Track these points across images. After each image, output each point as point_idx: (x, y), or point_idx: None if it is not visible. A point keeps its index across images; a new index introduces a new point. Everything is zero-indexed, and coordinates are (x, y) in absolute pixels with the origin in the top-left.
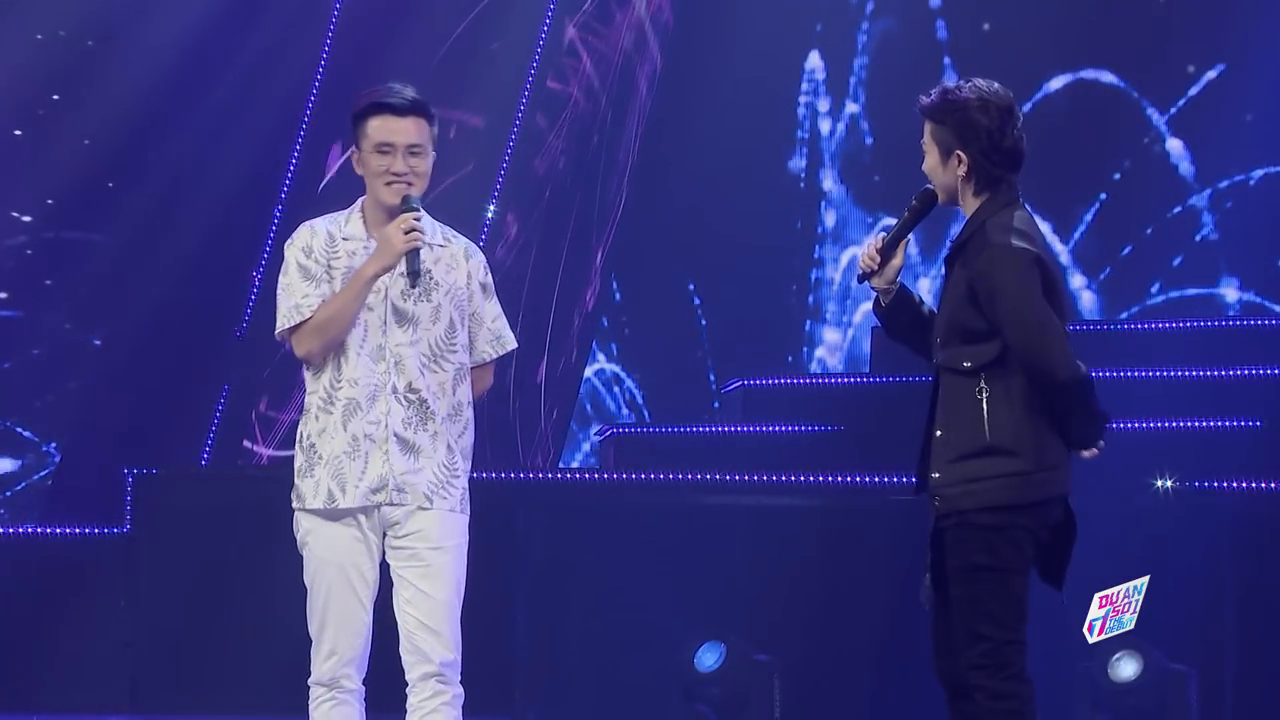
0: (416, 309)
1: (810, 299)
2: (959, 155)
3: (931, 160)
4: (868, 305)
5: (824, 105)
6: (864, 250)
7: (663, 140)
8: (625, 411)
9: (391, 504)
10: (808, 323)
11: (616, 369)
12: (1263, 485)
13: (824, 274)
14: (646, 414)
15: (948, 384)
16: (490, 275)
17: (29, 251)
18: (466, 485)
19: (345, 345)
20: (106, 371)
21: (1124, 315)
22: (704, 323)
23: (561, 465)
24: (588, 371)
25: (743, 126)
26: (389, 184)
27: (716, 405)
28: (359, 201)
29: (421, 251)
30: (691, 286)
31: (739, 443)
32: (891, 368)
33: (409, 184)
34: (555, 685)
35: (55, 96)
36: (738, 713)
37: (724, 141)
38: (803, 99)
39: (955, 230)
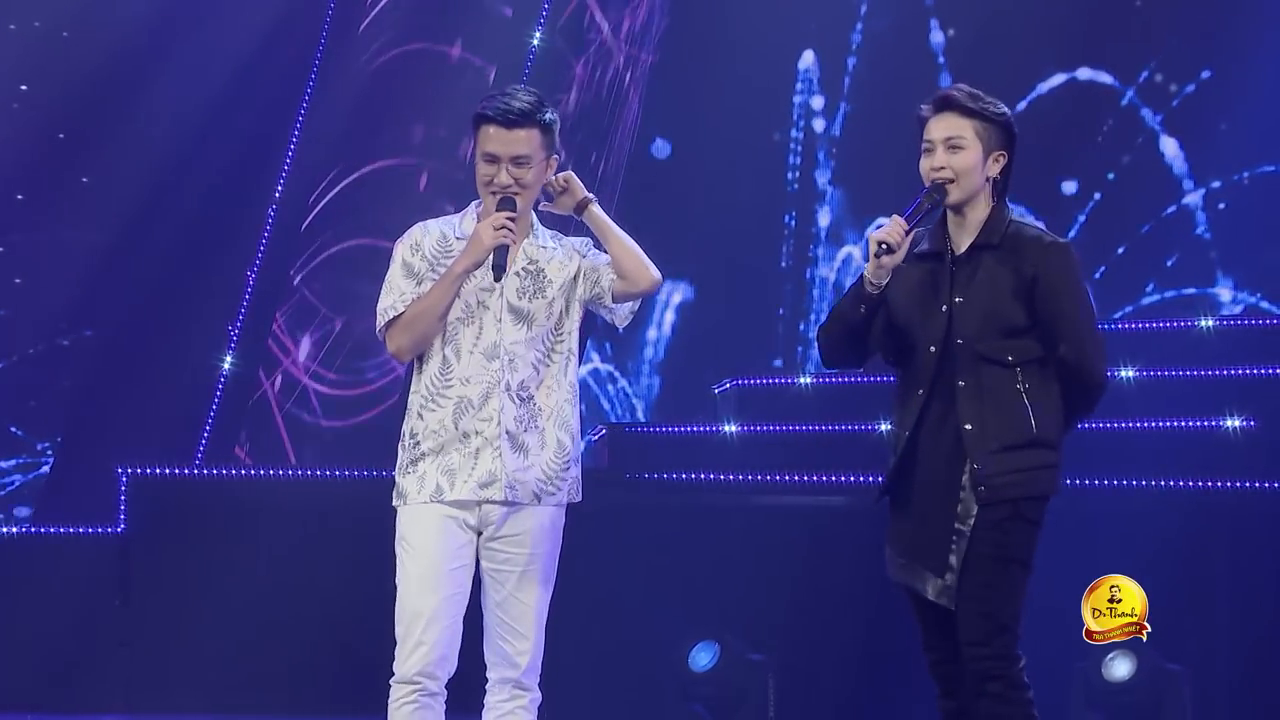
0: (532, 306)
1: (805, 298)
2: (1003, 155)
3: (971, 157)
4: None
5: (818, 104)
6: (889, 226)
7: (656, 137)
8: (619, 411)
9: (501, 501)
10: (802, 322)
11: (611, 368)
12: (1257, 485)
13: (818, 273)
14: (641, 413)
15: (981, 375)
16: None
17: (22, 249)
18: (578, 474)
19: (459, 343)
20: (100, 371)
21: (1118, 315)
22: (698, 322)
23: None
24: (582, 371)
25: (736, 125)
26: (492, 193)
27: (711, 405)
28: (474, 203)
29: (525, 248)
30: (686, 285)
31: (733, 442)
32: (886, 368)
33: (514, 195)
34: (550, 684)
35: (23, 87)
36: (732, 712)
37: (717, 139)
38: (797, 98)
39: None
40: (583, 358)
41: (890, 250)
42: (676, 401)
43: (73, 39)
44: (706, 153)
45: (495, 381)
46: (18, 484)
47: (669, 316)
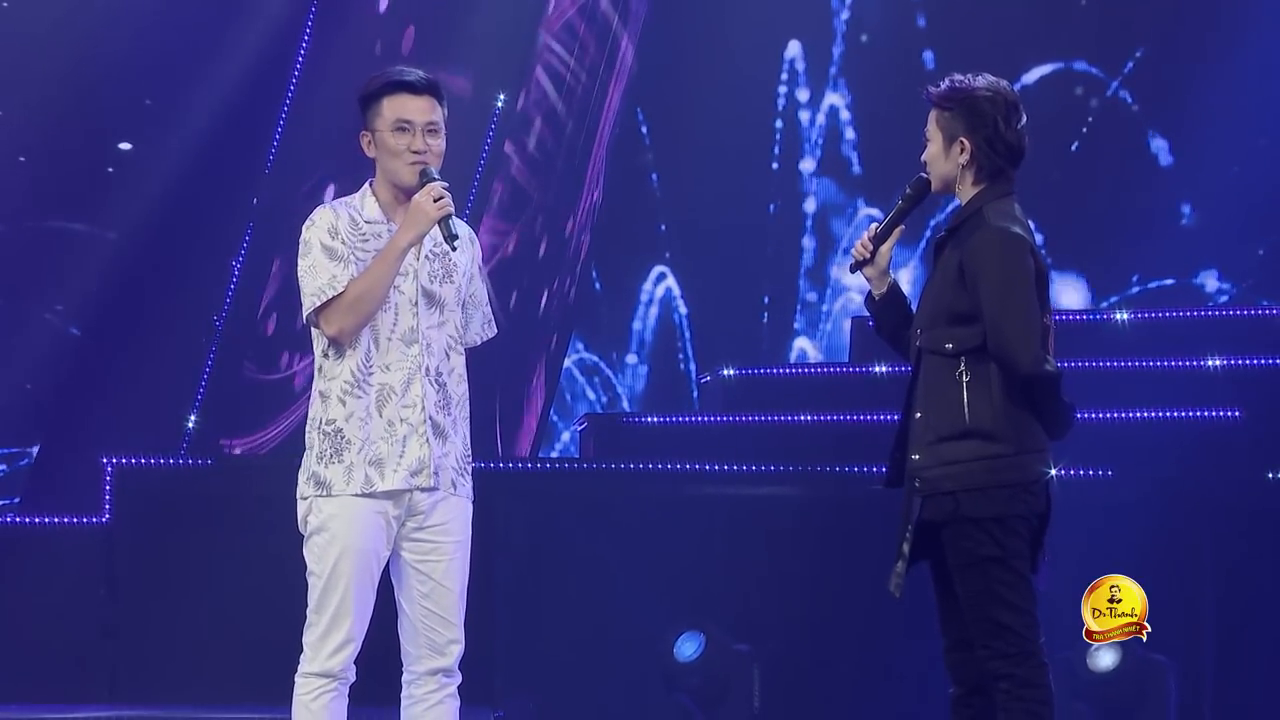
0: (442, 291)
1: (790, 289)
2: (962, 142)
3: (934, 148)
4: (847, 295)
5: (804, 95)
6: (857, 243)
7: (642, 129)
8: (605, 401)
9: (427, 488)
10: (787, 313)
11: (596, 358)
12: (1242, 476)
13: (804, 264)
14: (626, 404)
15: (929, 366)
16: None
17: (9, 242)
18: (473, 472)
19: (377, 329)
20: (86, 361)
21: (1103, 305)
22: (684, 312)
23: (541, 455)
24: (567, 361)
25: (722, 115)
26: (410, 163)
27: (696, 395)
28: (366, 186)
29: (452, 220)
30: (671, 275)
31: (718, 433)
32: (870, 358)
33: (426, 163)
34: (535, 675)
35: None
36: (717, 702)
37: (703, 130)
38: (782, 89)
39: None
40: (567, 349)
41: (863, 264)
42: (661, 392)
43: (52, 26)
44: (691, 142)
45: (416, 367)
46: (3, 474)
47: (654, 307)
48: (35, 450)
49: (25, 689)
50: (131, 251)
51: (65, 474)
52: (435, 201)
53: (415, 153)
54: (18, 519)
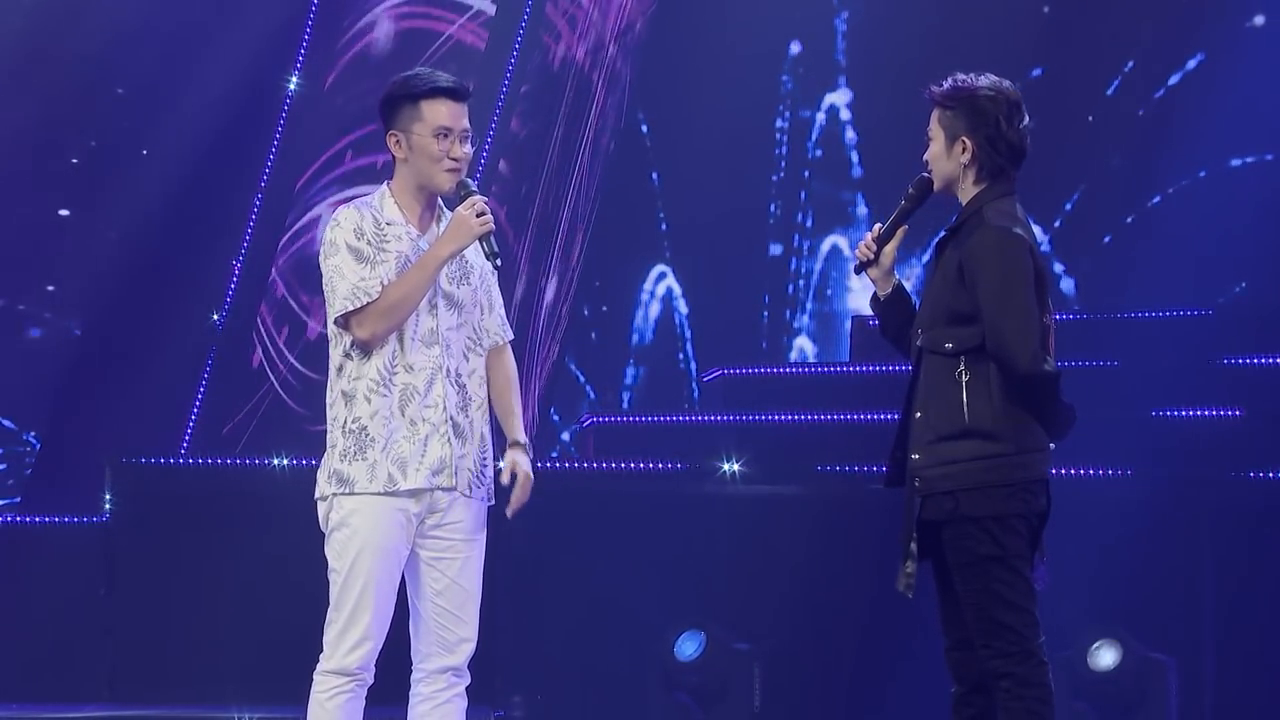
0: (460, 292)
1: (790, 288)
2: (964, 141)
3: (936, 147)
4: (847, 294)
5: (804, 93)
6: (861, 244)
7: (642, 128)
8: (604, 401)
9: (447, 488)
10: (787, 311)
11: (596, 358)
12: (1243, 474)
13: (804, 263)
14: (626, 403)
15: (929, 366)
16: None
17: (8, 239)
18: (493, 475)
19: (401, 330)
20: (86, 360)
21: (1103, 304)
22: (684, 312)
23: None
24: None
25: (722, 114)
26: (449, 169)
27: (696, 394)
28: (384, 187)
29: (493, 236)
30: (671, 275)
31: (719, 433)
32: (870, 357)
33: (460, 171)
34: (536, 674)
35: None
36: (718, 701)
37: (703, 128)
38: (782, 88)
39: (938, 228)
40: (566, 349)
41: (867, 265)
42: (661, 392)
43: (61, 26)
44: (691, 142)
45: (437, 368)
46: (2, 474)
47: (655, 306)
48: (35, 450)
49: (25, 688)
50: (133, 250)
51: (65, 474)
52: (478, 217)
53: (455, 160)
54: (18, 519)
